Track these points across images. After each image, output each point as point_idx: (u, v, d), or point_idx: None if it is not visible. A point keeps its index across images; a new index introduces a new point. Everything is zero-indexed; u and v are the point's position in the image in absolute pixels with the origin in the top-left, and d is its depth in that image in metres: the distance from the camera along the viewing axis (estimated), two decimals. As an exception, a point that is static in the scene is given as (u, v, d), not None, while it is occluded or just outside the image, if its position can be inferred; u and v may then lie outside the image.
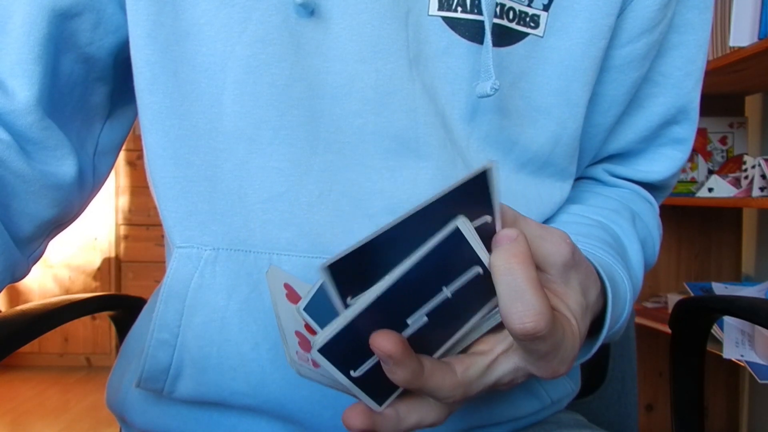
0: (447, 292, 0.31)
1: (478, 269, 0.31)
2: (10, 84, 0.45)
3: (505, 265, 0.30)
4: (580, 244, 0.46)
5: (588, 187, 0.60)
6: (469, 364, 0.33)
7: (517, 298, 0.30)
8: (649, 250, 0.57)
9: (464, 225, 0.30)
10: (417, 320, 0.31)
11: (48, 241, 0.52)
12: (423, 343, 0.32)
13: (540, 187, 0.52)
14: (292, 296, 0.38)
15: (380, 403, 0.33)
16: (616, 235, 0.52)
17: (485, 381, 0.34)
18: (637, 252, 0.52)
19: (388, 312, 0.30)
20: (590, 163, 0.60)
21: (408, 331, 0.31)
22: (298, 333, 0.36)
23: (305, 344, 0.35)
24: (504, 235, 0.31)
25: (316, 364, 0.34)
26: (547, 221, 0.54)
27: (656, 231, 0.59)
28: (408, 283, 0.29)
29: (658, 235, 0.59)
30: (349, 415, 0.31)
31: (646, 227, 0.57)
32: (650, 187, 0.61)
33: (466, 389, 0.33)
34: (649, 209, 0.59)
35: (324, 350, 0.30)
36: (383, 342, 0.29)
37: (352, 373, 0.31)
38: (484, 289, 0.32)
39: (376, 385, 0.32)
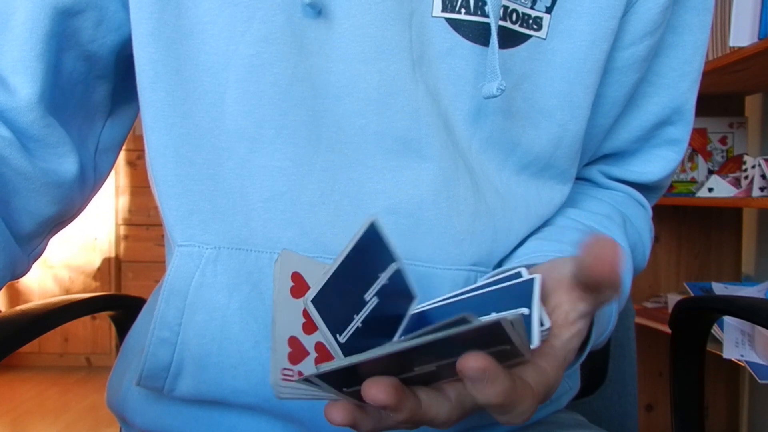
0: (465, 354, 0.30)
1: (507, 347, 0.30)
2: (12, 81, 0.45)
3: (490, 405, 0.31)
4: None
5: (583, 189, 0.60)
6: (462, 388, 0.33)
7: (505, 414, 0.32)
8: (638, 256, 0.57)
9: (508, 324, 0.28)
10: (425, 369, 0.31)
11: (49, 239, 0.52)
12: (421, 378, 0.32)
13: (541, 189, 0.52)
14: (300, 289, 0.37)
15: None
16: None
17: (478, 405, 0.34)
18: (627, 259, 0.52)
19: (398, 361, 0.30)
20: (586, 162, 0.60)
21: (411, 375, 0.31)
22: (292, 340, 0.35)
23: (296, 356, 0.35)
24: (471, 367, 0.28)
25: (300, 373, 0.34)
26: (545, 223, 0.54)
27: (647, 235, 0.59)
28: (430, 347, 0.29)
29: (649, 239, 0.59)
30: (331, 410, 0.31)
31: (637, 232, 0.57)
32: (644, 187, 0.61)
33: (462, 413, 0.33)
34: (641, 213, 0.59)
35: (323, 377, 0.30)
36: (377, 393, 0.29)
37: (344, 389, 0.31)
38: (502, 357, 0.31)
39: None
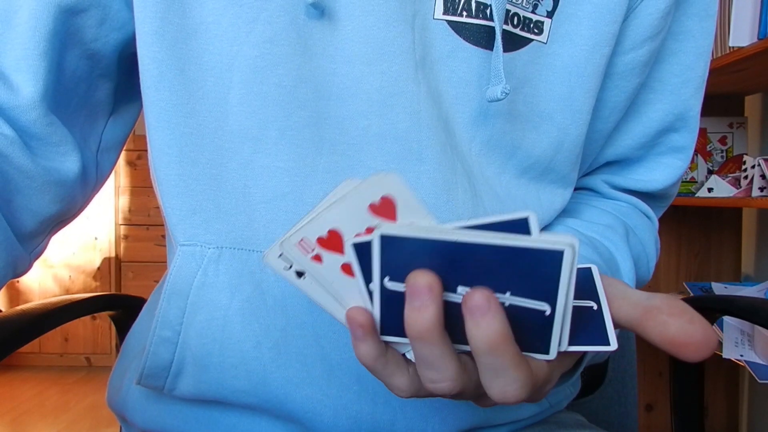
0: (505, 300, 0.28)
1: (547, 307, 0.28)
2: (15, 79, 0.45)
3: (486, 347, 0.29)
4: None
5: (585, 199, 0.60)
6: (471, 361, 0.33)
7: (499, 376, 0.30)
8: (642, 267, 0.56)
9: (569, 255, 0.26)
10: (462, 295, 0.29)
11: (50, 237, 0.52)
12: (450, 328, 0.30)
13: (541, 193, 0.52)
14: (385, 210, 0.30)
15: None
16: (608, 252, 0.51)
17: (480, 386, 0.33)
18: (630, 270, 0.51)
19: (449, 265, 0.28)
20: (588, 170, 0.60)
21: (451, 297, 0.29)
22: (333, 232, 0.30)
23: (325, 243, 0.31)
24: (475, 305, 0.28)
25: (318, 257, 0.31)
26: (545, 229, 0.53)
27: (652, 246, 0.58)
28: (483, 255, 0.27)
29: (654, 251, 0.58)
30: (354, 310, 0.31)
31: (640, 243, 0.56)
32: (650, 196, 0.61)
33: (466, 384, 0.32)
34: (646, 224, 0.59)
35: (385, 241, 0.28)
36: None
37: (385, 281, 0.29)
38: (535, 325, 0.29)
39: (391, 320, 0.30)
